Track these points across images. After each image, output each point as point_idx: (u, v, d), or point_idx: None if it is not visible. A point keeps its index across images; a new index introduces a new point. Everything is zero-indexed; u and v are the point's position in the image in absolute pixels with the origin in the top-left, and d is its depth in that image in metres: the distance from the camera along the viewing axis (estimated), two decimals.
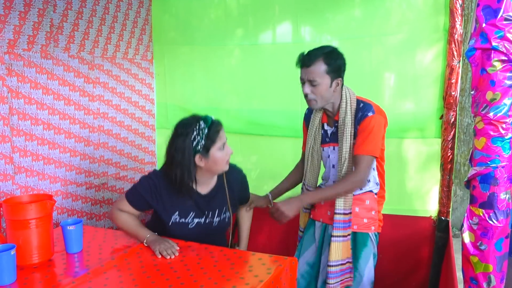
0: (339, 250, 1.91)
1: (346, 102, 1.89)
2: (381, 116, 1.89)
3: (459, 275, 1.90)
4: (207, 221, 1.95)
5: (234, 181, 2.02)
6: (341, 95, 1.91)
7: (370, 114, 1.84)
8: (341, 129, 1.90)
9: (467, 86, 4.30)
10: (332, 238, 1.92)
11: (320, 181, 2.19)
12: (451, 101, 2.32)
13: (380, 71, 2.57)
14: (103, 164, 2.72)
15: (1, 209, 1.74)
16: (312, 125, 2.06)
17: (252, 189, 2.91)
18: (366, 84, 2.58)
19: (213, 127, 1.82)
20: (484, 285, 1.32)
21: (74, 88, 2.48)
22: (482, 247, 1.31)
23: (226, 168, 1.89)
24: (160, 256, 1.73)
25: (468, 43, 1.34)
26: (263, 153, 2.97)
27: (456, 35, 2.26)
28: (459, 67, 2.30)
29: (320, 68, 1.83)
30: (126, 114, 2.88)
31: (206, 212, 1.94)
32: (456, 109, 2.35)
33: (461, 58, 2.30)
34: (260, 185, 2.92)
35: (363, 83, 2.58)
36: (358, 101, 1.91)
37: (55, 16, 2.33)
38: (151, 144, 3.11)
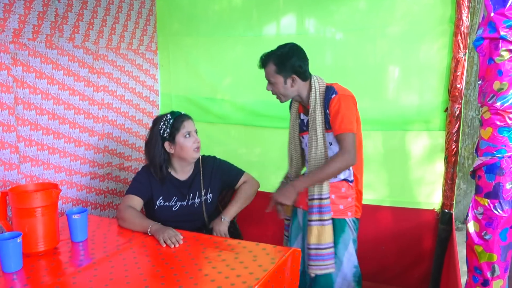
0: (315, 234, 1.97)
1: (315, 91, 1.99)
2: (345, 94, 1.96)
3: (462, 267, 1.91)
4: (189, 203, 2.15)
5: (209, 169, 2.21)
6: (310, 85, 2.02)
7: (333, 96, 1.94)
8: (312, 117, 2.00)
9: (472, 79, 4.28)
10: (308, 222, 1.99)
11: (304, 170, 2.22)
12: (456, 93, 2.31)
13: (384, 63, 2.56)
14: (107, 155, 2.73)
15: (7, 197, 1.75)
16: (291, 115, 2.18)
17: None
18: (370, 76, 2.57)
19: (178, 118, 2.09)
20: (488, 274, 1.33)
21: (78, 78, 2.48)
22: (487, 237, 1.31)
23: (195, 155, 2.11)
24: (164, 245, 1.75)
25: (476, 32, 1.33)
26: (267, 144, 2.97)
27: (462, 27, 2.24)
28: (465, 59, 2.29)
29: (271, 69, 1.99)
30: (130, 105, 2.89)
31: (187, 195, 2.15)
32: (461, 102, 2.34)
33: (467, 51, 2.29)
34: (264, 176, 2.92)
35: (367, 75, 2.58)
36: (327, 87, 2.00)
37: (60, 6, 2.33)
38: None
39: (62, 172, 2.43)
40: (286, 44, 2.02)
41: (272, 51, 2.02)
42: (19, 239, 1.56)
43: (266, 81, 2.05)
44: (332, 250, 1.98)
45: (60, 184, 2.38)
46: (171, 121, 2.08)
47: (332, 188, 2.03)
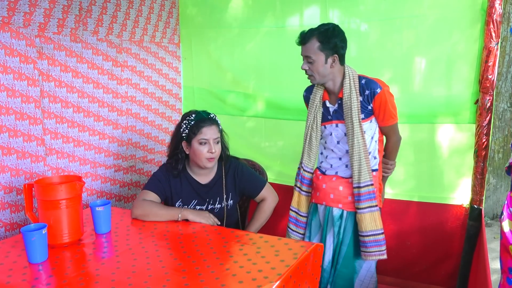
0: (369, 221, 1.98)
1: (350, 79, 1.97)
2: (387, 88, 1.98)
3: (490, 264, 1.84)
4: (208, 208, 2.10)
5: (231, 174, 2.14)
6: (344, 73, 1.99)
7: (378, 90, 1.93)
8: (347, 105, 1.97)
9: (503, 70, 4.12)
10: (358, 211, 1.98)
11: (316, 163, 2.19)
12: (488, 85, 2.22)
13: (411, 54, 2.48)
14: (131, 147, 2.75)
15: (33, 189, 1.78)
16: (312, 103, 2.10)
17: (277, 175, 2.90)
18: (396, 68, 2.50)
19: (199, 122, 2.00)
20: None
21: (102, 71, 2.50)
22: None
23: (207, 165, 2.03)
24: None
25: None
26: (289, 137, 2.94)
27: (495, 15, 2.14)
28: (497, 49, 2.19)
29: (314, 45, 1.93)
30: (153, 98, 2.90)
31: (208, 200, 2.11)
32: (493, 94, 2.24)
33: (499, 40, 2.19)
34: (285, 170, 2.90)
35: (393, 66, 2.51)
36: (360, 78, 1.99)
37: None
38: None
39: (87, 164, 2.46)
40: (328, 23, 1.98)
41: (315, 27, 1.97)
42: (44, 231, 1.59)
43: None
44: (383, 236, 2.00)
45: (85, 177, 2.42)
46: (192, 122, 2.01)
47: None
